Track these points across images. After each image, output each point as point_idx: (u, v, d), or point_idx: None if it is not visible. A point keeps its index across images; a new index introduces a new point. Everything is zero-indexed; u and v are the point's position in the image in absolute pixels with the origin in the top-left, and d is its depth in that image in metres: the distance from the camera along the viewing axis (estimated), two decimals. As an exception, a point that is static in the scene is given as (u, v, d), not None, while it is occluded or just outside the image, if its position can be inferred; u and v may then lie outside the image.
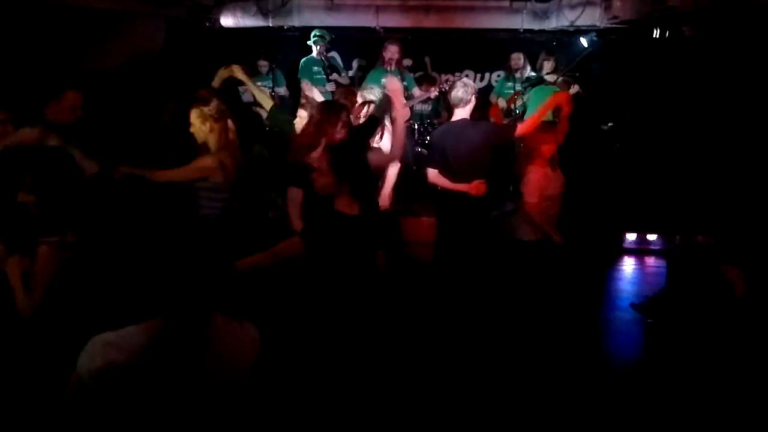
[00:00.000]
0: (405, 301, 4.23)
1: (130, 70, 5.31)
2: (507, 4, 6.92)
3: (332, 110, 3.50)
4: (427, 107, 7.06)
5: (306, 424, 2.71)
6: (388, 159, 3.65)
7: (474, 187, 4.04)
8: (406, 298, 4.29)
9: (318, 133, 3.38)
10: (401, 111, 3.47)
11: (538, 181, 4.20)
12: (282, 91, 7.06)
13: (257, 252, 2.60)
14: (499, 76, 7.91)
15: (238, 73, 4.31)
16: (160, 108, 5.11)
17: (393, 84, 3.48)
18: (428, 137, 6.01)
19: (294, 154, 3.50)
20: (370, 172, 2.75)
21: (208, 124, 3.60)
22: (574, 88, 6.39)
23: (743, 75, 5.15)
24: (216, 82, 4.37)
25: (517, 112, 6.77)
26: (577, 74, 6.55)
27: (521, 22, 6.97)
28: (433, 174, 4.21)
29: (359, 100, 4.35)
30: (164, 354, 1.49)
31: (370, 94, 4.47)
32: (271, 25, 7.09)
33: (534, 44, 7.23)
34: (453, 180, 4.11)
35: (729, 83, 5.33)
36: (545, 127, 4.33)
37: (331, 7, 6.97)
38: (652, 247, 6.02)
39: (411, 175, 5.82)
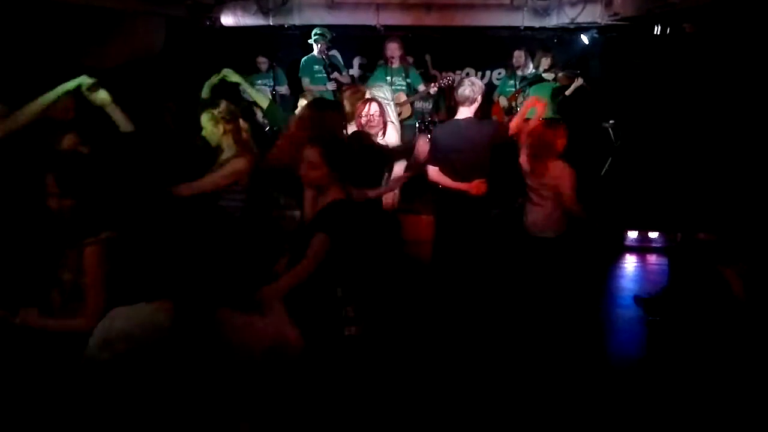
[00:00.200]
0: (404, 299, 4.24)
1: (131, 69, 5.31)
2: (507, 1, 6.91)
3: (327, 107, 3.52)
4: (427, 104, 7.07)
5: (307, 421, 2.72)
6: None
7: (475, 186, 4.04)
8: (405, 295, 4.30)
9: (296, 143, 3.32)
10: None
11: (573, 174, 4.11)
12: (283, 89, 7.06)
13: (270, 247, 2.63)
14: (500, 73, 7.91)
15: (233, 76, 4.19)
16: (160, 107, 5.12)
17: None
18: (429, 135, 5.99)
19: (274, 161, 3.46)
20: (361, 162, 2.80)
21: (221, 127, 3.59)
22: (578, 81, 6.39)
23: (744, 72, 5.13)
24: (205, 92, 4.20)
25: (519, 109, 6.77)
26: (578, 71, 6.54)
27: (522, 19, 6.96)
28: (433, 171, 4.20)
29: (367, 96, 4.34)
30: (168, 331, 1.58)
31: (379, 92, 4.49)
32: (271, 23, 7.09)
33: (535, 42, 7.23)
34: (454, 178, 4.11)
35: (730, 80, 5.31)
36: (554, 122, 4.35)
37: (332, 5, 6.96)
38: (654, 244, 6.01)
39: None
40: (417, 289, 4.45)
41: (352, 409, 2.89)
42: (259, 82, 6.90)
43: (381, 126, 4.01)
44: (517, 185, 4.47)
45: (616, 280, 5.40)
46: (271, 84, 6.78)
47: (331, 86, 6.55)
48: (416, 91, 6.50)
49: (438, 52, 7.98)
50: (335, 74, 6.71)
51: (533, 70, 6.87)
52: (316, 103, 3.71)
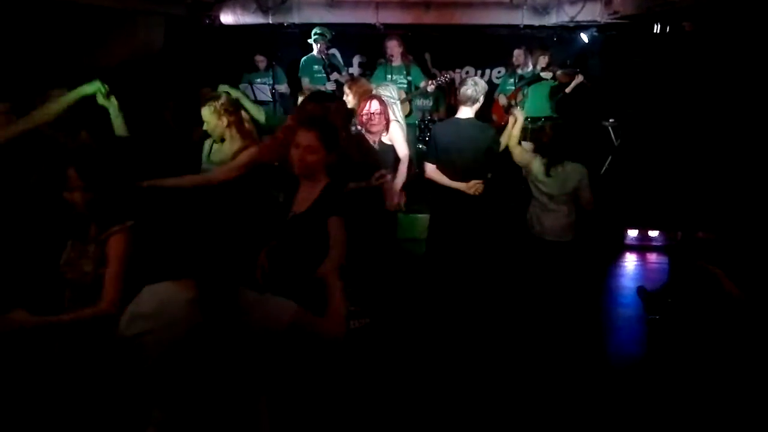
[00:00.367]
0: (398, 296, 4.25)
1: (131, 67, 5.31)
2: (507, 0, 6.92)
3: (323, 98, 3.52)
4: (427, 102, 7.05)
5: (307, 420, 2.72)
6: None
7: (472, 186, 4.04)
8: (399, 292, 4.30)
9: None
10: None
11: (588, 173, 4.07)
12: (282, 88, 7.05)
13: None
14: (499, 72, 7.91)
15: (232, 92, 4.09)
16: (160, 106, 5.11)
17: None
18: (428, 133, 5.99)
19: (271, 153, 3.45)
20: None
21: (224, 119, 3.58)
22: (578, 78, 6.39)
23: (744, 70, 5.13)
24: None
25: (519, 108, 6.77)
26: (577, 70, 6.55)
27: (521, 17, 6.96)
28: (431, 169, 4.19)
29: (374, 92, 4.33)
30: (192, 308, 1.64)
31: (386, 91, 4.48)
32: (271, 22, 7.09)
33: (534, 40, 7.22)
34: (451, 177, 4.11)
35: (730, 78, 5.32)
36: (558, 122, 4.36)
37: (331, 3, 6.96)
38: (654, 243, 6.01)
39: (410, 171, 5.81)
40: (412, 286, 4.46)
41: (354, 400, 2.91)
42: (258, 80, 6.90)
43: (382, 125, 4.00)
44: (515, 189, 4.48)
45: (616, 278, 5.40)
46: (270, 83, 6.77)
47: (330, 86, 6.54)
48: (417, 88, 6.50)
49: (437, 50, 7.99)
50: (335, 74, 6.71)
51: (529, 68, 6.88)
52: (313, 96, 3.70)
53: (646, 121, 6.33)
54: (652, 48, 6.17)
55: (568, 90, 6.42)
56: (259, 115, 4.38)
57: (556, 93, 6.52)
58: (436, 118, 6.84)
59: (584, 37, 7.11)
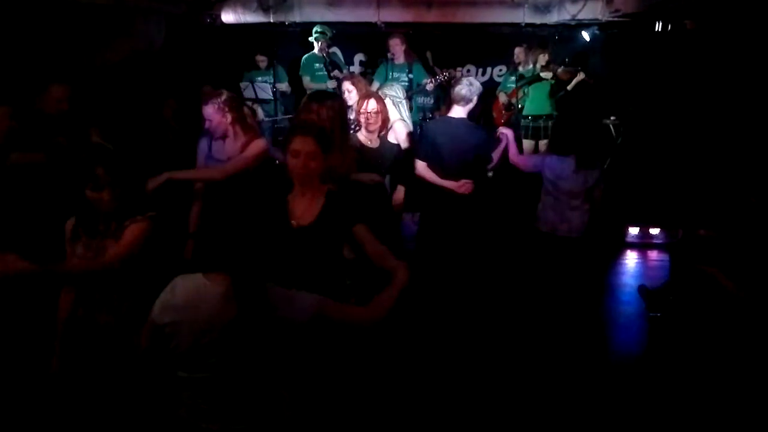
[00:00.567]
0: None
1: (131, 65, 5.32)
2: (508, -2, 6.92)
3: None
4: (429, 100, 7.04)
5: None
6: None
7: (461, 185, 4.05)
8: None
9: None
10: None
11: None
12: (283, 86, 7.05)
13: None
14: (501, 70, 7.91)
15: None
16: (160, 104, 5.12)
17: None
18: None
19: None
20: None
21: (228, 115, 3.59)
22: (580, 76, 6.38)
23: (745, 68, 5.13)
24: None
25: (519, 106, 6.77)
26: (579, 68, 6.54)
27: (523, 16, 6.96)
28: (421, 166, 4.16)
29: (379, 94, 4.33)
30: (223, 301, 1.72)
31: (391, 90, 4.48)
32: (272, 20, 7.10)
33: (536, 39, 7.22)
34: (441, 175, 4.11)
35: (731, 76, 5.31)
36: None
37: (332, 2, 6.96)
38: (655, 240, 5.99)
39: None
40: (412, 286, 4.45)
41: (357, 397, 2.91)
42: (259, 79, 6.90)
43: (378, 124, 3.99)
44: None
45: (617, 276, 5.39)
46: (271, 81, 6.78)
47: (331, 84, 6.53)
48: (419, 86, 6.49)
49: (439, 49, 7.97)
50: (336, 72, 6.71)
51: (528, 67, 6.87)
52: (314, 95, 3.69)
53: (648, 119, 6.32)
54: (654, 46, 6.17)
55: (569, 87, 6.42)
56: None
57: (556, 91, 6.52)
58: (437, 117, 6.83)
59: (586, 36, 7.10)
